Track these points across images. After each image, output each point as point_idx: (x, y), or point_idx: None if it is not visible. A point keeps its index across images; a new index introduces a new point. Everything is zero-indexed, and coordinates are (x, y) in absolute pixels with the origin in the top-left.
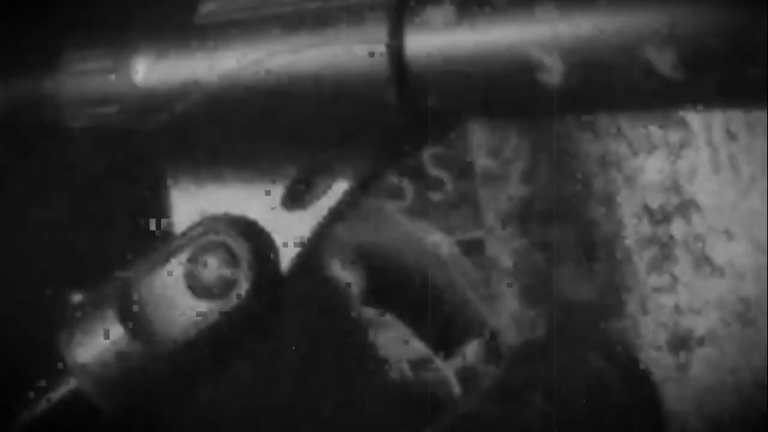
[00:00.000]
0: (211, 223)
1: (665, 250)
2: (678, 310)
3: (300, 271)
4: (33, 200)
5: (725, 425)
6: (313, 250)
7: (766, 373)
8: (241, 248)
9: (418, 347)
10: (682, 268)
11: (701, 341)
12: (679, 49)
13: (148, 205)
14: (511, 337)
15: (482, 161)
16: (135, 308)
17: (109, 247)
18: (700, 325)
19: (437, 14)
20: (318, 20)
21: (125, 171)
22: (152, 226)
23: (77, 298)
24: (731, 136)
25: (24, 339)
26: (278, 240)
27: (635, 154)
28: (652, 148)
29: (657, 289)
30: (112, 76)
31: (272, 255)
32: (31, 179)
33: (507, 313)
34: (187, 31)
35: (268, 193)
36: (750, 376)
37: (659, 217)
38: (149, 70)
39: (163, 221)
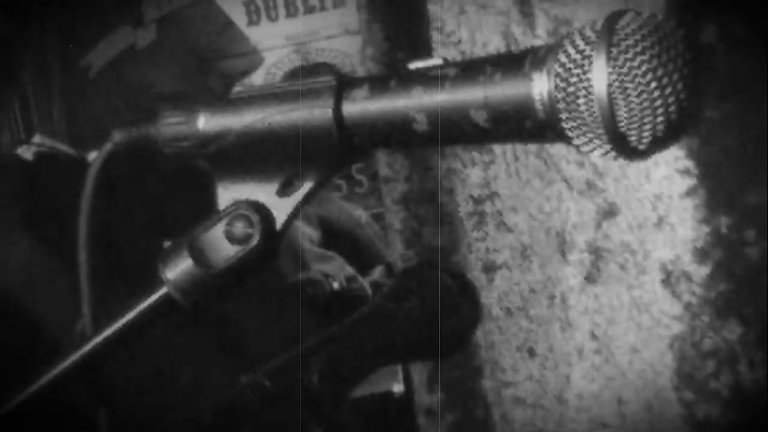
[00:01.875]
0: (239, 204)
1: (483, 219)
2: (488, 249)
3: (284, 231)
4: (144, 197)
5: (515, 313)
6: (292, 219)
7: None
8: (255, 217)
9: (350, 270)
10: (490, 228)
11: (500, 267)
12: (488, 112)
13: (205, 196)
14: (398, 265)
15: (383, 170)
16: (199, 249)
17: (187, 218)
18: (499, 258)
19: (359, 92)
20: (296, 95)
21: (193, 176)
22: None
23: (168, 244)
24: (518, 157)
25: (141, 264)
26: (275, 213)
27: (465, 167)
28: (474, 165)
29: (478, 240)
30: (186, 125)
31: (271, 221)
32: (146, 185)
33: (396, 252)
34: (225, 101)
35: (270, 188)
36: (527, 286)
37: (478, 201)
38: (206, 123)
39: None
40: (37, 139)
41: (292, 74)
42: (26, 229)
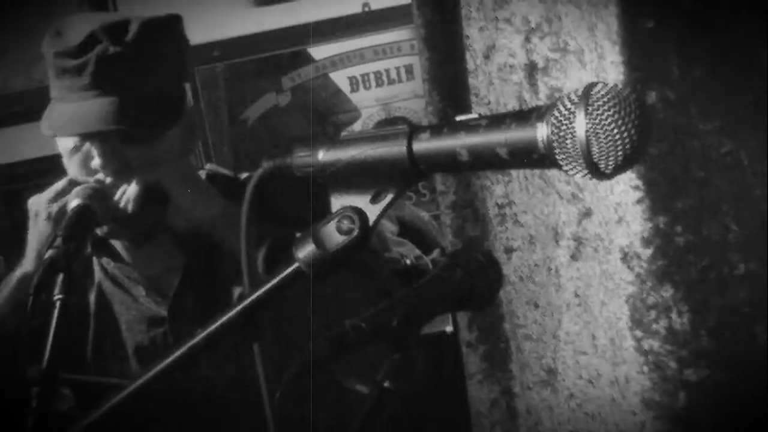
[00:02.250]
0: (345, 209)
1: (504, 218)
2: (507, 238)
3: (374, 226)
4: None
5: (525, 279)
6: (380, 219)
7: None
8: (356, 218)
9: (417, 251)
10: (509, 224)
11: (515, 249)
12: (508, 148)
13: (323, 203)
14: (449, 248)
15: (439, 186)
16: (319, 238)
17: (311, 218)
18: (514, 243)
19: (423, 135)
20: (382, 137)
21: (315, 190)
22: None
23: (298, 234)
24: (527, 177)
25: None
26: (369, 215)
27: (492, 184)
28: (498, 182)
29: (501, 232)
30: (311, 158)
31: (366, 220)
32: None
33: (447, 240)
34: (336, 141)
35: (365, 198)
36: (533, 262)
37: (501, 206)
38: (323, 155)
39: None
40: (207, 166)
41: (380, 124)
42: (221, 198)
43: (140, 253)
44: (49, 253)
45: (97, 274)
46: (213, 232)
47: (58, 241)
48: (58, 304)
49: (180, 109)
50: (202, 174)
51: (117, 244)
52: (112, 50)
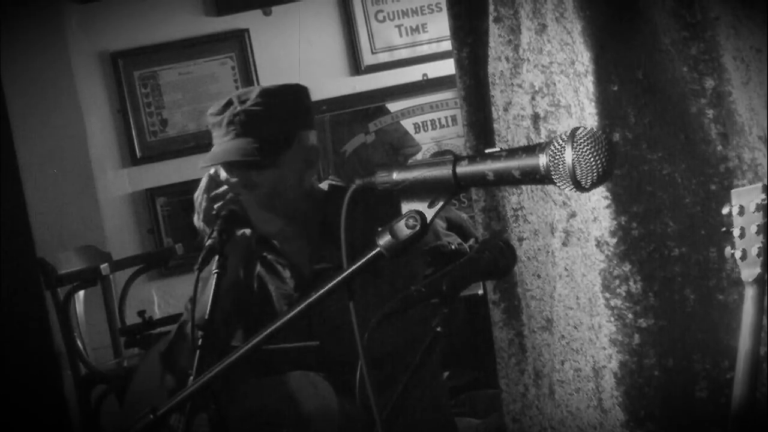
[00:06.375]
0: (410, 211)
1: (517, 218)
2: (520, 231)
3: (430, 223)
4: (370, 210)
5: (531, 258)
6: (434, 218)
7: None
8: (417, 217)
9: (459, 239)
10: (520, 222)
11: (525, 239)
12: (520, 171)
13: (396, 208)
14: (480, 238)
15: (474, 196)
16: (393, 230)
17: (389, 219)
18: (524, 234)
19: (463, 162)
20: (435, 163)
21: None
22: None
23: (380, 229)
24: (532, 190)
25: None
26: (426, 215)
27: (510, 194)
28: (513, 194)
29: (515, 227)
30: (388, 176)
31: (425, 219)
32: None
33: (479, 232)
34: (405, 166)
35: (424, 204)
36: (536, 246)
37: (515, 209)
38: (396, 175)
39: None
40: (330, 178)
41: (434, 155)
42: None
43: (285, 247)
44: (209, 242)
45: (258, 265)
46: (277, 240)
47: (215, 233)
48: (215, 276)
49: (286, 144)
50: (326, 184)
51: (275, 242)
52: (239, 108)
